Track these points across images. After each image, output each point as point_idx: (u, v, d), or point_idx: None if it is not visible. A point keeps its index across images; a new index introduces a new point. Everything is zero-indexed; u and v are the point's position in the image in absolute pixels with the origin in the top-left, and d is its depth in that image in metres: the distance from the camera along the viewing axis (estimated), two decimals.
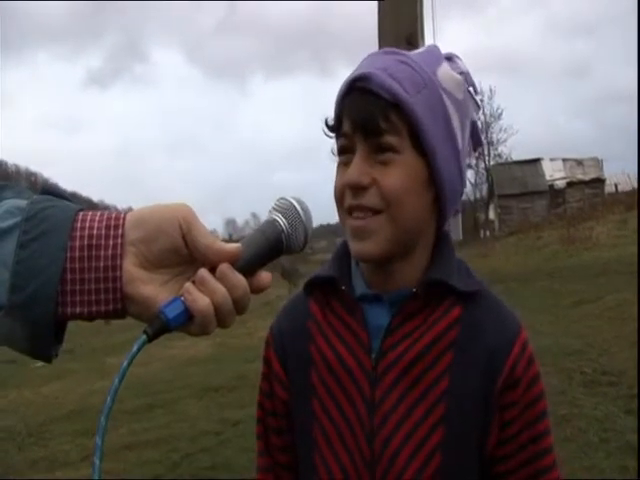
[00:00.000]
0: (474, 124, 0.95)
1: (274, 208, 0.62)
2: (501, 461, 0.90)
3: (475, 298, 0.91)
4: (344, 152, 0.88)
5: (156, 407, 6.97)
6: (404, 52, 0.89)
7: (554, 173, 32.53)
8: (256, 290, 0.58)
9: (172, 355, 11.08)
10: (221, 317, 0.56)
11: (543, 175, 32.38)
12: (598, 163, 33.44)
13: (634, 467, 3.60)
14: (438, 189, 0.87)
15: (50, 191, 0.58)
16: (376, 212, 0.85)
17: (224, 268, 0.56)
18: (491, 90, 33.91)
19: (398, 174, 0.84)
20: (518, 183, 31.58)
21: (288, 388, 0.98)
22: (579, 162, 33.30)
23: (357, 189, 0.85)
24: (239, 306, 0.57)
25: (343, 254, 0.97)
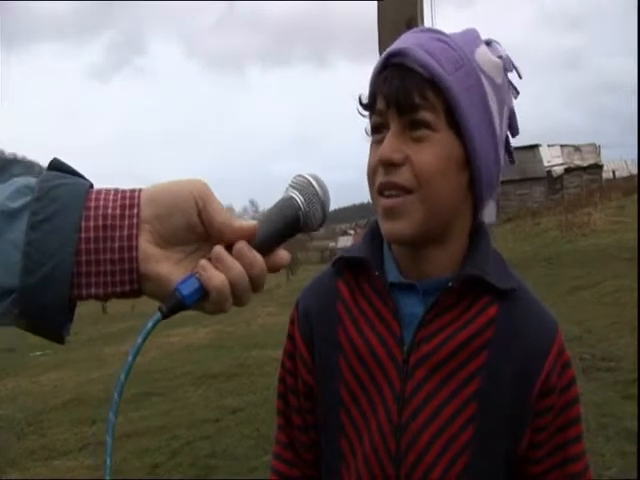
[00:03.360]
0: (512, 112, 0.92)
1: (291, 185, 0.60)
2: (532, 464, 0.89)
3: (512, 296, 0.89)
4: (377, 131, 0.86)
5: (155, 395, 6.97)
6: (441, 31, 0.87)
7: (552, 159, 32.46)
8: (273, 268, 0.57)
9: (171, 342, 11.08)
10: (237, 294, 0.55)
11: (541, 161, 32.30)
12: (596, 149, 33.40)
13: (633, 452, 3.61)
14: (474, 172, 0.85)
15: (59, 166, 0.56)
16: (408, 192, 0.82)
17: (241, 245, 0.54)
18: None
19: (432, 152, 0.81)
20: (516, 169, 31.50)
21: (313, 371, 0.96)
22: (577, 148, 33.25)
23: (389, 166, 0.82)
24: (255, 284, 0.56)
25: (375, 235, 0.94)
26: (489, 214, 0.94)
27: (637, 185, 18.33)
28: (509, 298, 0.88)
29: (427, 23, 2.83)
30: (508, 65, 0.89)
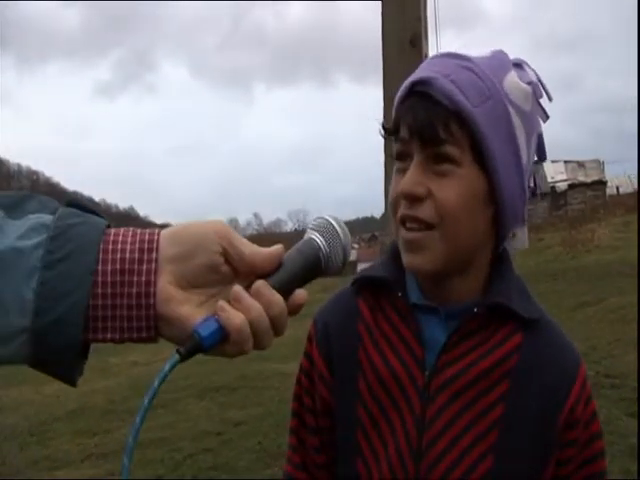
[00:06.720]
0: (540, 136, 0.89)
1: (311, 227, 0.59)
2: None
3: (536, 326, 0.87)
4: (401, 158, 0.83)
5: (158, 407, 6.94)
6: (468, 56, 0.83)
7: (556, 175, 32.47)
8: (293, 310, 0.55)
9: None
10: (258, 335, 0.53)
11: (545, 177, 32.25)
12: (599, 165, 33.40)
13: (637, 470, 3.59)
14: (498, 206, 0.83)
15: (75, 203, 0.55)
16: (429, 226, 0.80)
17: (260, 285, 0.53)
18: None
19: (456, 188, 0.79)
20: None
21: (332, 388, 0.93)
22: (580, 164, 33.26)
23: (411, 199, 0.80)
24: (276, 325, 0.53)
25: (396, 255, 0.89)
26: (521, 240, 0.92)
27: (637, 202, 18.31)
28: (533, 327, 0.87)
29: (431, 42, 2.85)
30: (538, 91, 0.86)
